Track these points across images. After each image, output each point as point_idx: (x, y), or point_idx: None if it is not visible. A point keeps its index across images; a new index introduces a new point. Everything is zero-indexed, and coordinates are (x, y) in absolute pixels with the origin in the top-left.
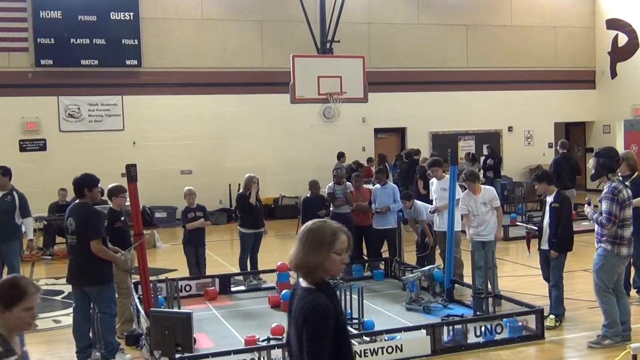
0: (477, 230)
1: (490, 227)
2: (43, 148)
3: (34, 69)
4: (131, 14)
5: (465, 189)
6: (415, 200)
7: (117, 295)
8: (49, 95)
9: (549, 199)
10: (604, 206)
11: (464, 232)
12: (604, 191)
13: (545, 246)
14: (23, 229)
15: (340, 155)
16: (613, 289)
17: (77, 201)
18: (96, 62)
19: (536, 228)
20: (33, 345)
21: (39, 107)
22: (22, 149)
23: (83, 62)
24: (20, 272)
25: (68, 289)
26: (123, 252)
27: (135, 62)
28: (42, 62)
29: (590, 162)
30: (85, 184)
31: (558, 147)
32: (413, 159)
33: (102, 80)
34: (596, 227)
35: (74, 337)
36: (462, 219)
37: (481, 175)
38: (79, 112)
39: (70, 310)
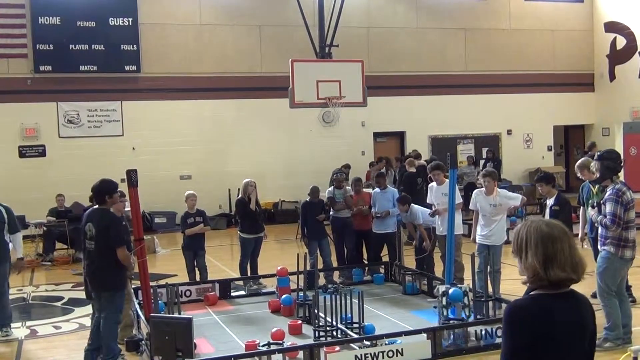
0: (484, 233)
1: (498, 231)
2: (42, 154)
3: (33, 75)
4: (130, 19)
5: (465, 193)
6: (412, 204)
7: None
8: (48, 101)
9: (550, 202)
10: (608, 208)
11: (465, 235)
12: (608, 193)
13: None
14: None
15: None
16: (615, 291)
17: (96, 207)
18: (95, 67)
19: None
20: (33, 351)
21: (38, 113)
22: (22, 155)
23: (82, 67)
24: (8, 297)
25: (68, 295)
26: None
27: (135, 67)
28: (41, 68)
29: (594, 165)
30: (106, 190)
31: (586, 149)
32: (401, 165)
33: (101, 86)
34: (600, 229)
35: (92, 336)
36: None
37: (481, 179)
38: (78, 118)
39: (71, 315)
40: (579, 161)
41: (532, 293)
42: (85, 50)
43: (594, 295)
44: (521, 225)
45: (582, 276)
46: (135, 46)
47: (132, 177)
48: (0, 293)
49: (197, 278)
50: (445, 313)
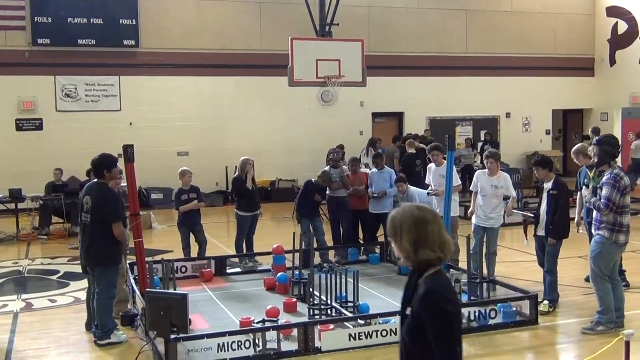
0: (482, 214)
1: (495, 214)
2: (39, 127)
3: (31, 48)
4: None
5: (462, 175)
6: (408, 185)
7: None
8: (46, 74)
9: (547, 186)
10: (605, 192)
11: (461, 217)
12: (606, 177)
13: (541, 232)
14: None
15: (374, 142)
16: (609, 276)
17: (95, 180)
18: (93, 41)
19: (532, 215)
20: (28, 324)
21: (36, 86)
22: (19, 128)
23: (80, 41)
24: None
25: (64, 268)
26: None
27: (133, 42)
28: (39, 41)
29: (592, 150)
30: (105, 164)
31: (590, 134)
32: (400, 145)
33: (99, 60)
34: (595, 213)
35: (89, 311)
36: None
37: (478, 161)
38: (76, 92)
39: (66, 289)
40: (575, 147)
41: (433, 272)
42: (83, 24)
43: (587, 279)
44: (395, 211)
45: (448, 256)
46: (134, 20)
47: (128, 152)
48: None
49: (196, 253)
50: None
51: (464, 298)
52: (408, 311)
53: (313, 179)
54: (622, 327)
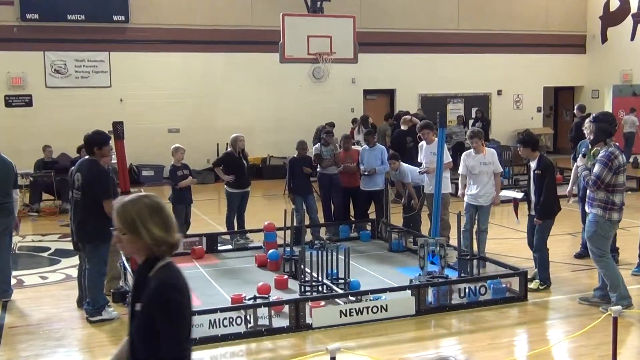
0: (473, 193)
1: (486, 191)
2: (29, 104)
3: (20, 23)
4: None
5: (453, 152)
6: (401, 162)
7: None
8: (35, 50)
9: (532, 165)
10: (596, 169)
11: (452, 194)
12: (600, 155)
13: (533, 212)
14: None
15: (365, 120)
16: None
17: (86, 157)
18: (83, 17)
19: (523, 194)
20: (19, 301)
21: (25, 62)
22: (8, 104)
23: (69, 17)
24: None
25: (55, 245)
26: None
27: (123, 17)
28: (28, 16)
29: (588, 127)
30: (96, 142)
31: (576, 111)
32: (393, 123)
33: (88, 36)
34: (588, 191)
35: (80, 288)
36: (459, 182)
37: (468, 141)
38: (65, 68)
39: (57, 266)
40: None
41: (164, 264)
42: None
43: (577, 256)
44: (120, 207)
45: (175, 241)
46: None
47: (118, 129)
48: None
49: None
50: (423, 264)
51: (454, 274)
52: (138, 307)
53: (294, 155)
54: (609, 303)
